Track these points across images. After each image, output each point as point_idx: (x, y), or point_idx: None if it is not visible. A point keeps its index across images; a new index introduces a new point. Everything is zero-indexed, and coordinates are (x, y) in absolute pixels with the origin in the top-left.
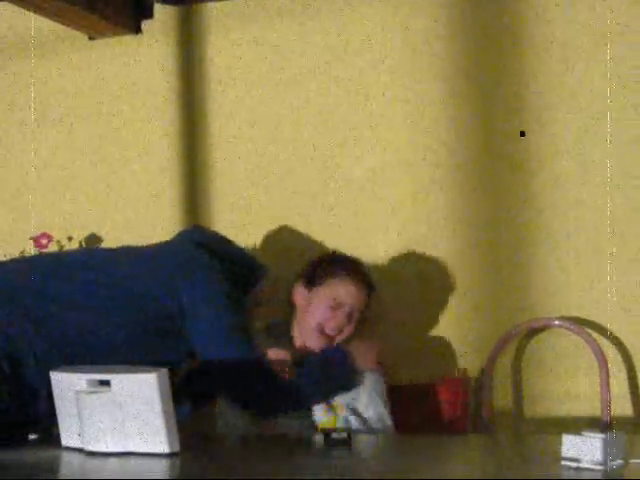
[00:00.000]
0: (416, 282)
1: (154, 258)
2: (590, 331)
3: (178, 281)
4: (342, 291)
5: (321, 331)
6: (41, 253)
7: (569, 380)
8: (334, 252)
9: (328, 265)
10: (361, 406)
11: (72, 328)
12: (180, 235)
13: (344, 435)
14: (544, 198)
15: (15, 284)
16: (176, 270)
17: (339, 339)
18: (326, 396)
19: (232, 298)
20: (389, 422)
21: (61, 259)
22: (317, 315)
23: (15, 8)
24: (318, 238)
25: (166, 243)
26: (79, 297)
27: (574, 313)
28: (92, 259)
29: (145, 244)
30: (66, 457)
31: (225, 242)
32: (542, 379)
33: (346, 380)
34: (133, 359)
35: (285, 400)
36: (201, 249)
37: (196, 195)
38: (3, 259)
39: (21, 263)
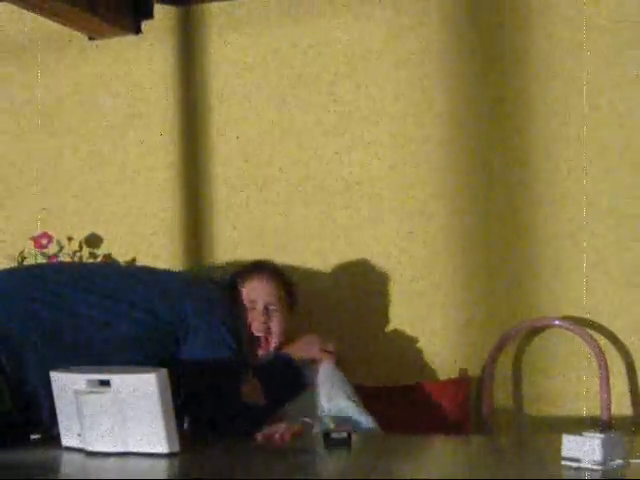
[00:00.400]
0: (416, 282)
1: (164, 282)
2: (590, 331)
3: (186, 306)
4: (250, 291)
5: (253, 337)
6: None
7: (569, 380)
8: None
9: (237, 277)
10: (330, 409)
11: (70, 335)
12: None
13: (344, 435)
14: (545, 197)
15: (13, 289)
16: (184, 296)
17: (274, 342)
18: (279, 403)
19: (233, 329)
20: (371, 421)
21: (65, 266)
22: (245, 323)
23: (15, 8)
24: (321, 246)
25: (175, 272)
26: (78, 306)
27: (574, 313)
28: (98, 271)
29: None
30: (66, 457)
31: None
32: (542, 379)
33: (292, 381)
34: None
35: (236, 423)
36: (208, 281)
37: (196, 194)
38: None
39: (24, 270)
